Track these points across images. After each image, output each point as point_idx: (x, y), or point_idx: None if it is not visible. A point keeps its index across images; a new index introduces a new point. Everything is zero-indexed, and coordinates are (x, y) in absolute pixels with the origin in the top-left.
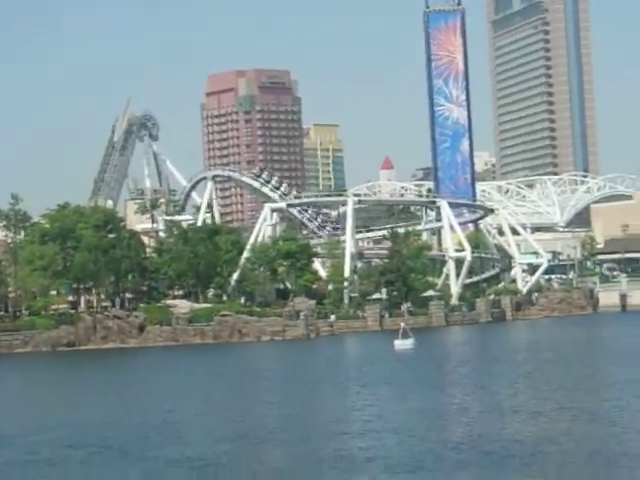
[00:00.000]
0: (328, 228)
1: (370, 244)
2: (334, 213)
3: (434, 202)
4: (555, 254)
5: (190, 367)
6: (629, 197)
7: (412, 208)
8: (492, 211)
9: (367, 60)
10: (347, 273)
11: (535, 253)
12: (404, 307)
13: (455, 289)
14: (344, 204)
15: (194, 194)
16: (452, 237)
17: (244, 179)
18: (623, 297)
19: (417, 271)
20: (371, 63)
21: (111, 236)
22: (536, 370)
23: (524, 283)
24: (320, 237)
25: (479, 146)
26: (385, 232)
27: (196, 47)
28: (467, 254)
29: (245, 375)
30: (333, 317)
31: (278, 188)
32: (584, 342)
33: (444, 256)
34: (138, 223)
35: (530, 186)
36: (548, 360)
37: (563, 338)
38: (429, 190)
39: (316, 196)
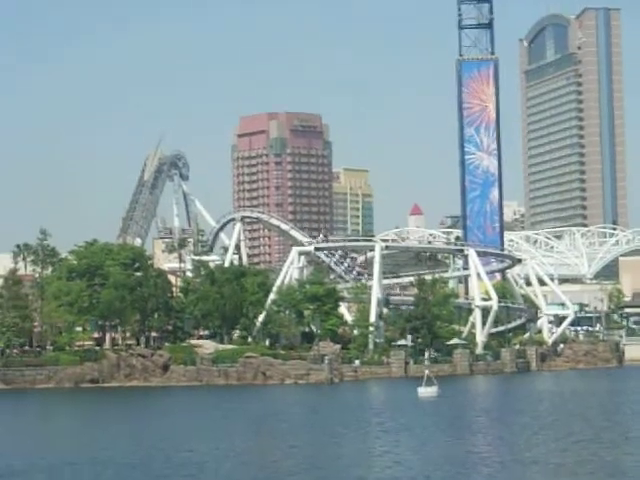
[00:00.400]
0: (354, 272)
1: (397, 290)
2: (361, 258)
3: (462, 250)
4: (582, 306)
5: (213, 408)
6: None
7: (440, 255)
8: (520, 261)
9: (398, 106)
10: (373, 318)
11: (562, 304)
12: (427, 354)
13: (480, 338)
14: (372, 249)
15: (222, 234)
16: (479, 286)
17: (273, 221)
18: None
19: (443, 319)
20: (402, 109)
21: (138, 274)
22: (558, 422)
23: (550, 334)
24: (347, 281)
25: (508, 195)
26: (412, 278)
27: (228, 88)
28: (494, 303)
29: (267, 418)
30: (357, 362)
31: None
32: (607, 395)
33: (470, 304)
34: (166, 262)
35: (559, 237)
36: (570, 412)
37: (586, 391)
38: (457, 238)
39: (344, 240)
